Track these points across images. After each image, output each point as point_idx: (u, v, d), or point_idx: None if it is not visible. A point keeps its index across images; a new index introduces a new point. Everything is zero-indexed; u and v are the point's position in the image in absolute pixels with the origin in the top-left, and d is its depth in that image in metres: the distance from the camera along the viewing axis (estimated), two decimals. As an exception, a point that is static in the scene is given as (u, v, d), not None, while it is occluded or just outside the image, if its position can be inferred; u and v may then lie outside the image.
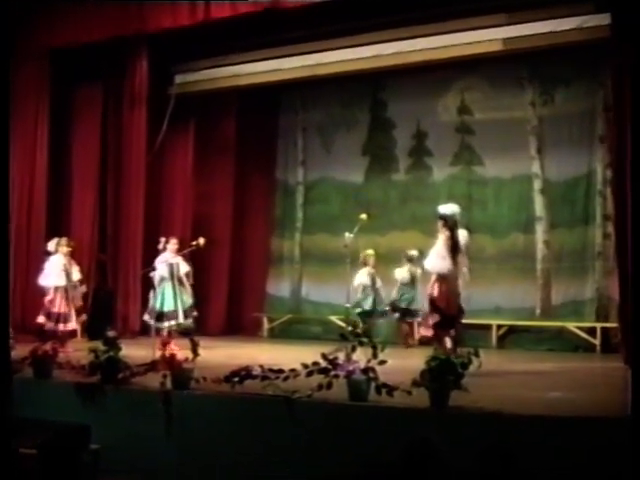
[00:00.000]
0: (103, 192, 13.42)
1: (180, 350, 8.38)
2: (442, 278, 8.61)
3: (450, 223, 8.68)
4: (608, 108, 10.80)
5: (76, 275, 11.24)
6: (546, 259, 12.21)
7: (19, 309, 12.01)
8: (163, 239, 10.97)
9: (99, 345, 7.87)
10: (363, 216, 9.64)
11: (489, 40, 11.18)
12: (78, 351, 9.27)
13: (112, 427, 7.12)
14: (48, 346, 8.33)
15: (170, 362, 7.39)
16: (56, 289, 10.96)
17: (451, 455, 5.06)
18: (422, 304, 10.44)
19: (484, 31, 11.15)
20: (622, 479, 5.27)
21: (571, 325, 11.71)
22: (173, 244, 10.90)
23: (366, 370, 6.43)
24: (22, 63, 11.97)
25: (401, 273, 11.83)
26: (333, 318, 12.94)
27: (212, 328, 13.64)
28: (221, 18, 11.37)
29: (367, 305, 11.57)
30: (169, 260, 10.76)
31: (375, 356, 6.48)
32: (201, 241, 10.74)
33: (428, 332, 8.92)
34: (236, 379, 6.98)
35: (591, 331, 11.53)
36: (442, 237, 8.68)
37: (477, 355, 6.36)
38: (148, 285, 11.01)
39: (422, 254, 9.97)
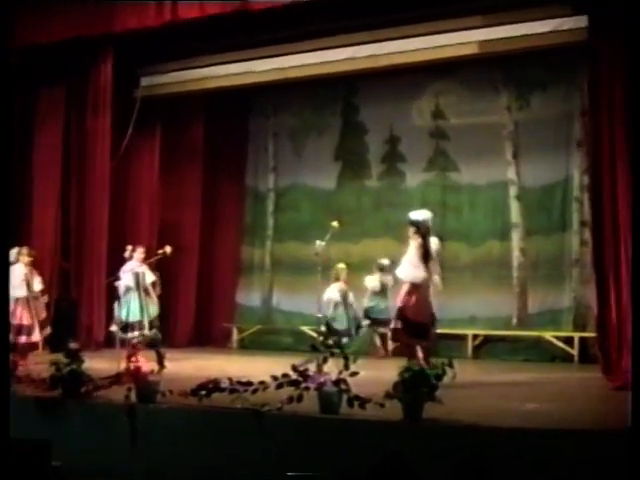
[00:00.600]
0: (66, 198, 13.14)
1: (146, 362, 8.21)
2: (415, 287, 8.53)
3: (422, 230, 8.61)
4: (585, 112, 10.69)
5: (37, 286, 10.99)
6: (522, 267, 12.10)
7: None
8: (130, 247, 10.75)
9: (61, 357, 7.71)
10: (335, 224, 9.50)
11: (465, 43, 11.07)
12: (39, 364, 9.13)
13: (74, 443, 6.93)
14: (7, 359, 8.05)
15: (135, 375, 7.29)
16: (17, 300, 10.65)
17: (424, 469, 5.04)
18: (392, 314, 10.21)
19: (459, 34, 11.04)
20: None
21: (548, 334, 11.63)
22: (140, 253, 10.70)
23: (338, 382, 6.34)
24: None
25: (372, 281, 11.52)
26: (305, 328, 12.69)
27: (180, 339, 13.51)
28: (189, 19, 11.23)
29: (341, 325, 10.73)
30: (135, 269, 10.55)
31: (347, 367, 6.50)
32: (168, 249, 10.57)
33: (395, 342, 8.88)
34: (203, 392, 6.89)
35: (568, 340, 11.47)
36: (414, 244, 8.59)
37: (451, 366, 6.29)
38: (113, 295, 10.79)
39: (394, 263, 9.80)
